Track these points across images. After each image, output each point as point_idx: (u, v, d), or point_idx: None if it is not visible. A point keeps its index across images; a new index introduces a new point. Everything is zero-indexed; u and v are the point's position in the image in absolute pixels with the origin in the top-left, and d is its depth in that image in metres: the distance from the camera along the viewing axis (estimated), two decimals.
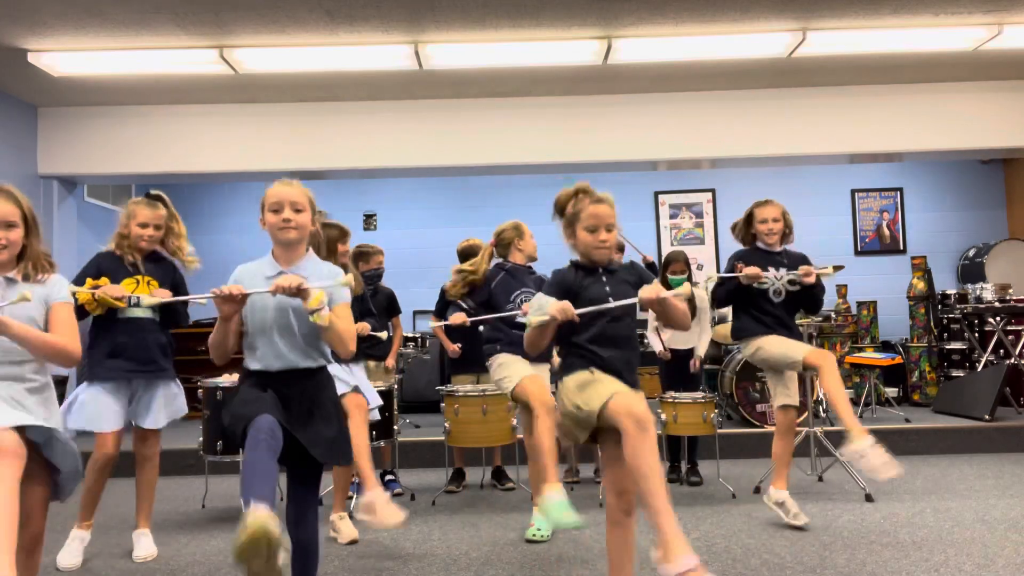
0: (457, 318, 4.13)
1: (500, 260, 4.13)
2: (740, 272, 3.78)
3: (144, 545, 3.52)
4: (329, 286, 2.35)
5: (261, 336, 2.39)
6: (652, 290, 2.41)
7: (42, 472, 2.23)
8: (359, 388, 3.73)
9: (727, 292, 3.90)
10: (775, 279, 3.83)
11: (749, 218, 3.98)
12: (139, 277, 3.49)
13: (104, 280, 3.39)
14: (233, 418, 2.29)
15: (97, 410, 3.38)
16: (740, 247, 4.09)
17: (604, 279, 2.52)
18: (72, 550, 3.42)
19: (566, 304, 2.35)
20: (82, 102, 6.45)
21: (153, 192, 3.66)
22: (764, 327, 3.82)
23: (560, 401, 2.51)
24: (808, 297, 3.85)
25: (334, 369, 3.60)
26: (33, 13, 4.80)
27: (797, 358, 3.69)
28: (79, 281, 3.37)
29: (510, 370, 3.79)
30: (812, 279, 3.75)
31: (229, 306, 2.31)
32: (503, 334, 3.89)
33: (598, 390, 2.35)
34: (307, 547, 2.44)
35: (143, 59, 5.49)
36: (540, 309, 2.39)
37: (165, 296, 3.40)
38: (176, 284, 3.60)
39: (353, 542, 3.68)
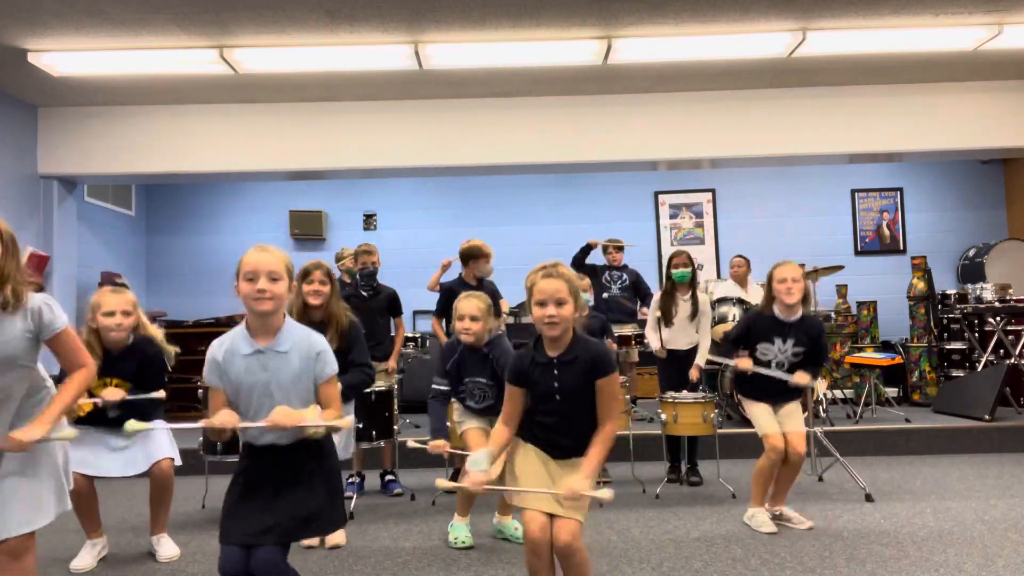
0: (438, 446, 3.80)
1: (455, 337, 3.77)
2: (735, 363, 3.89)
3: (166, 546, 3.53)
4: (326, 425, 2.28)
5: (247, 416, 2.34)
6: (570, 487, 2.31)
7: None
8: None
9: (734, 345, 4.01)
10: (779, 351, 3.84)
11: (770, 279, 3.90)
12: (105, 380, 3.32)
13: (99, 384, 3.29)
14: (224, 533, 2.36)
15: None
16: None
17: (556, 371, 2.46)
18: (84, 554, 3.44)
19: (481, 479, 2.39)
20: (82, 102, 6.45)
21: (118, 280, 3.57)
22: (764, 395, 3.89)
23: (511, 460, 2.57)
24: (810, 362, 3.86)
25: None
26: (33, 13, 4.80)
27: (763, 437, 3.80)
28: None
29: (464, 422, 3.76)
30: (804, 384, 3.78)
31: (223, 433, 2.27)
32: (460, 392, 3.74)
33: (521, 484, 2.44)
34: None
35: (143, 59, 5.49)
36: (475, 464, 2.43)
37: (115, 395, 3.26)
38: (143, 365, 3.40)
39: (335, 547, 3.65)
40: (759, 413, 3.88)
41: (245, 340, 2.36)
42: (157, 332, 3.52)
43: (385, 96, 6.51)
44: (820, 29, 5.38)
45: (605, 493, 2.30)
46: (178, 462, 3.54)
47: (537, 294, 2.42)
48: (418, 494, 4.71)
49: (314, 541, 3.65)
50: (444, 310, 5.10)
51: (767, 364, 3.85)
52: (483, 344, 3.60)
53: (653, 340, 5.05)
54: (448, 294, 5.09)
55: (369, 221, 8.99)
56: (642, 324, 6.07)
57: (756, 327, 3.92)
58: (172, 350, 3.53)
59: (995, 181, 8.91)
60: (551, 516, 2.40)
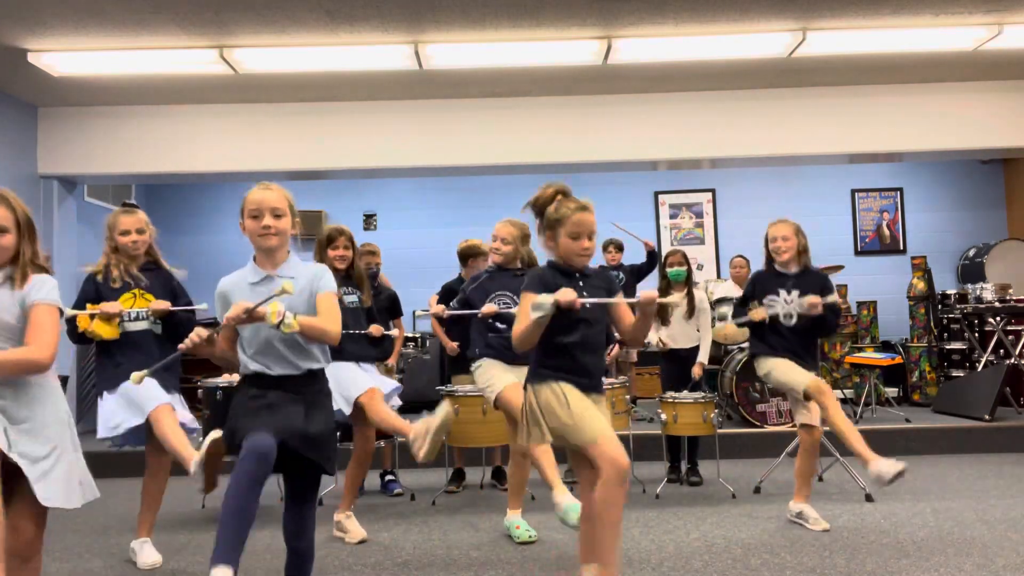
0: (436, 308, 4.00)
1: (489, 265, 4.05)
2: (749, 316, 3.87)
3: (147, 552, 3.43)
4: (268, 300, 2.31)
5: (254, 343, 2.43)
6: (652, 293, 2.48)
7: (24, 479, 2.13)
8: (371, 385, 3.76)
9: (743, 325, 4.02)
10: (784, 303, 3.83)
11: (766, 238, 3.98)
12: (135, 291, 3.43)
13: (138, 295, 3.39)
14: (230, 432, 2.36)
15: (128, 406, 3.32)
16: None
17: (580, 283, 2.58)
18: (146, 552, 3.42)
19: (570, 291, 2.40)
20: (82, 102, 6.45)
21: (128, 202, 3.65)
22: (773, 351, 3.85)
23: (533, 406, 2.56)
24: (818, 323, 3.80)
25: (344, 372, 3.59)
26: (33, 13, 4.80)
27: (796, 387, 3.72)
28: (79, 307, 3.35)
29: (492, 378, 3.73)
30: (818, 310, 3.70)
31: (230, 329, 2.38)
32: (482, 336, 3.82)
33: (587, 419, 2.48)
34: (303, 555, 2.51)
35: (143, 59, 5.49)
36: (540, 305, 2.39)
37: (162, 306, 3.37)
38: (174, 292, 3.54)
39: (362, 542, 3.67)
40: (787, 368, 3.76)
41: (252, 270, 2.48)
42: (176, 269, 3.68)
43: (385, 96, 6.51)
44: (820, 29, 5.38)
45: (674, 297, 2.51)
46: (184, 418, 3.45)
47: (573, 227, 2.54)
48: (418, 494, 4.71)
49: (356, 535, 3.69)
50: (444, 301, 5.10)
51: (775, 317, 3.82)
52: (516, 267, 3.83)
53: (652, 336, 5.04)
54: (448, 294, 5.09)
55: (369, 221, 8.98)
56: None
57: (759, 282, 3.96)
58: (180, 273, 3.68)
59: (995, 181, 8.91)
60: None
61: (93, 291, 3.42)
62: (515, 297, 3.74)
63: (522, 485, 3.78)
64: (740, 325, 4.08)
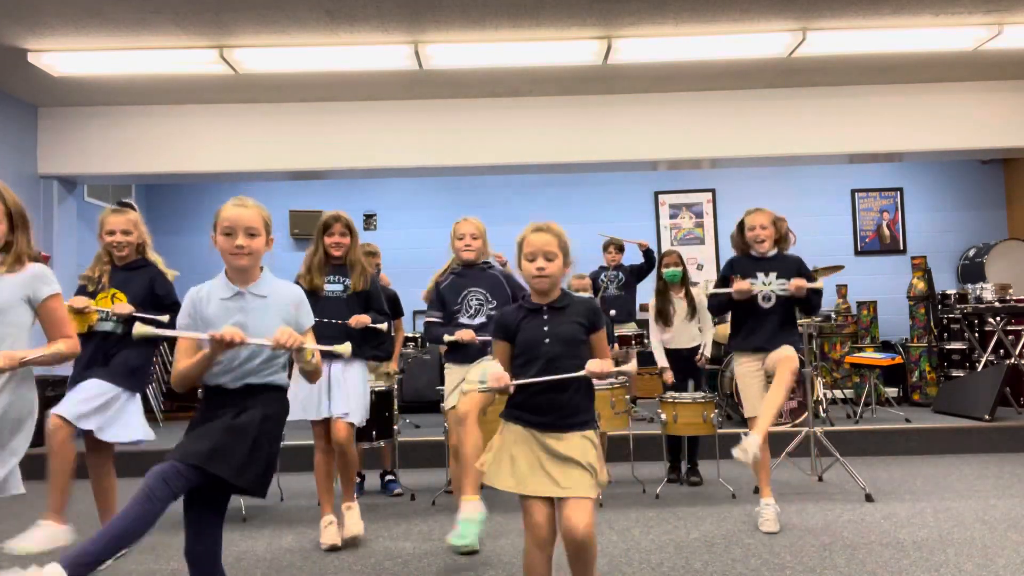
0: (465, 335, 3.78)
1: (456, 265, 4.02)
2: (732, 287, 3.84)
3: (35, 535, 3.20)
4: (326, 350, 2.34)
5: (219, 362, 2.30)
6: (598, 364, 2.27)
7: None
8: (325, 415, 3.64)
9: (719, 303, 3.99)
10: (762, 284, 3.84)
11: (741, 226, 4.00)
12: (110, 292, 3.45)
13: (107, 296, 3.39)
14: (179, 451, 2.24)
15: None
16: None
17: (546, 317, 2.40)
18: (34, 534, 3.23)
19: (502, 376, 2.30)
20: (82, 102, 6.45)
21: (123, 200, 3.65)
22: (757, 337, 3.84)
23: (496, 441, 2.47)
24: (802, 302, 3.87)
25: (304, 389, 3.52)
26: (33, 13, 4.80)
27: (746, 412, 3.80)
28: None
29: (447, 395, 3.83)
30: (803, 293, 3.75)
31: (222, 350, 2.23)
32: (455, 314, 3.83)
33: (526, 474, 2.31)
34: (200, 558, 2.31)
35: (143, 59, 5.49)
36: (483, 375, 2.37)
37: (125, 309, 3.34)
38: (153, 293, 3.50)
39: (353, 538, 3.66)
40: (750, 388, 3.86)
41: (224, 285, 2.39)
42: (159, 259, 3.67)
43: (385, 96, 6.51)
44: (820, 29, 5.38)
45: (630, 366, 2.33)
46: (144, 436, 3.42)
47: (527, 247, 2.42)
48: (418, 494, 4.71)
49: (336, 539, 3.60)
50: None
51: (754, 297, 3.84)
52: (481, 261, 3.90)
53: (661, 359, 5.02)
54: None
55: (369, 221, 8.98)
56: (641, 324, 6.08)
57: (737, 265, 3.96)
58: (172, 274, 3.67)
59: (995, 181, 8.91)
60: (551, 506, 2.30)
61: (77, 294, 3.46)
62: (486, 294, 3.82)
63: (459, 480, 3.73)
64: (714, 297, 4.00)
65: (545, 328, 2.40)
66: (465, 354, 3.77)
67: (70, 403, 3.23)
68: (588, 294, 5.15)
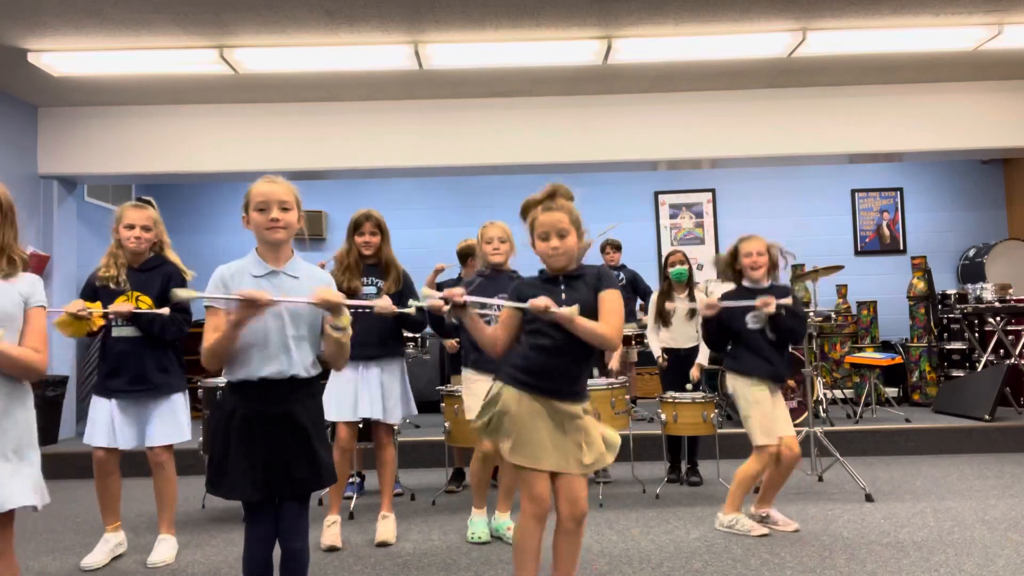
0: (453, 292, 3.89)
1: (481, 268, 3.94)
2: (759, 302, 3.65)
3: (160, 550, 3.48)
4: (363, 305, 2.39)
5: (251, 344, 2.28)
6: (542, 300, 2.29)
7: None
8: (353, 418, 3.66)
9: (711, 333, 3.89)
10: (755, 317, 3.73)
11: (734, 253, 3.88)
12: (128, 292, 3.38)
13: (95, 304, 3.30)
14: (216, 474, 2.27)
15: (92, 425, 3.40)
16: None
17: (562, 287, 2.45)
18: (97, 551, 3.43)
19: (452, 291, 2.37)
20: (82, 102, 6.45)
21: (142, 197, 3.59)
22: (740, 364, 3.77)
23: (487, 396, 2.49)
24: (779, 329, 3.72)
25: (345, 387, 3.57)
26: (33, 13, 4.80)
27: (764, 442, 3.68)
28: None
29: (468, 398, 3.79)
30: (771, 309, 3.61)
31: (249, 312, 2.18)
32: (473, 345, 3.76)
33: (539, 449, 2.35)
34: (298, 555, 2.38)
35: (143, 59, 5.49)
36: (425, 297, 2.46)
37: (123, 308, 3.28)
38: (166, 290, 3.42)
39: (383, 544, 3.64)
40: (762, 418, 3.69)
41: (256, 263, 2.37)
42: (177, 259, 3.58)
43: (385, 96, 6.51)
44: (820, 29, 5.38)
45: (572, 309, 2.30)
46: (187, 435, 3.49)
47: (539, 228, 2.44)
48: (418, 494, 4.71)
49: (336, 541, 3.62)
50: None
51: (745, 323, 3.77)
52: (509, 269, 3.79)
53: (655, 348, 5.03)
54: None
55: None
56: (641, 325, 6.08)
57: (733, 299, 3.84)
58: (190, 274, 3.58)
59: (995, 181, 8.91)
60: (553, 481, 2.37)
61: (91, 293, 3.39)
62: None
63: (512, 487, 3.77)
64: (709, 336, 3.93)
65: (563, 296, 2.44)
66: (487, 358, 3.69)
67: (163, 433, 3.41)
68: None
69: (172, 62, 5.56)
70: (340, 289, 3.45)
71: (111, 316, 3.33)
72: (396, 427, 3.90)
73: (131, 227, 3.42)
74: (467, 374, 3.80)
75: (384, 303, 2.39)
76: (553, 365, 2.39)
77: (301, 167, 6.64)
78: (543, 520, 2.38)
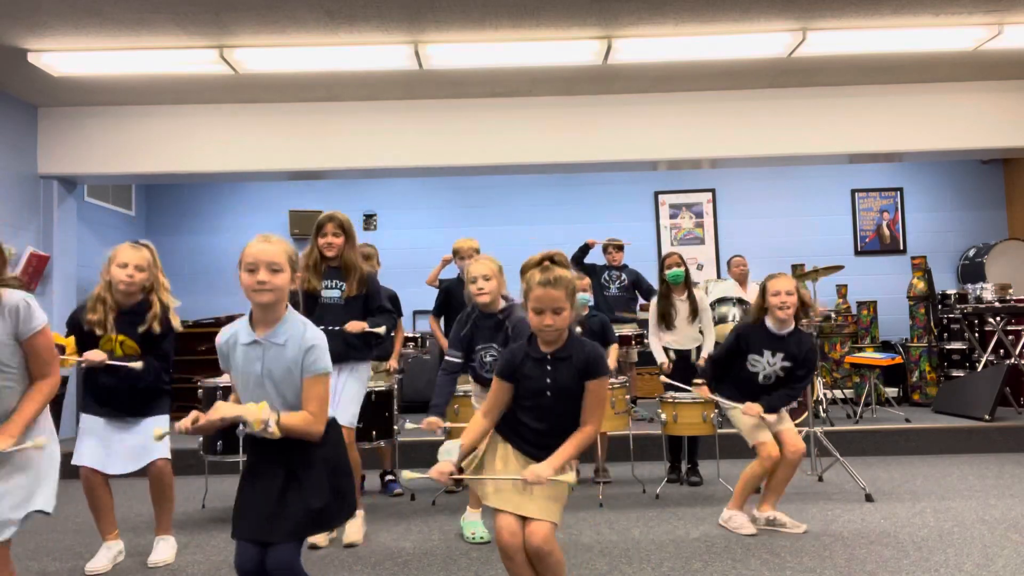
0: (432, 424, 3.66)
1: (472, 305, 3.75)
2: (742, 408, 3.71)
3: (160, 550, 3.48)
4: (250, 424, 2.19)
5: (247, 400, 2.31)
6: (532, 475, 2.30)
7: None
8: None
9: (714, 367, 3.92)
10: (767, 364, 3.77)
11: (763, 291, 3.81)
12: (112, 336, 3.32)
13: (68, 341, 3.27)
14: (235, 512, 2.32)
15: (81, 442, 3.38)
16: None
17: (549, 368, 2.43)
18: (100, 556, 3.42)
19: (447, 469, 2.38)
20: (82, 102, 6.45)
21: (140, 241, 3.53)
22: (735, 398, 3.82)
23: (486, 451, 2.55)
24: (791, 380, 3.79)
25: None
26: (33, 13, 4.80)
27: (758, 440, 3.74)
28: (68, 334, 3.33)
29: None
30: (753, 419, 3.71)
31: (209, 428, 2.21)
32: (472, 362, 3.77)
33: (494, 491, 2.41)
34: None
35: (143, 59, 5.49)
36: (446, 453, 2.42)
37: (96, 358, 3.22)
38: (151, 336, 3.37)
39: (351, 545, 3.66)
40: (746, 420, 3.75)
41: (246, 330, 2.35)
42: (172, 301, 3.50)
43: (385, 96, 6.50)
44: (820, 29, 5.38)
45: (569, 476, 2.32)
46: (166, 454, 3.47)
47: (534, 301, 2.40)
48: (418, 494, 4.71)
49: (321, 539, 3.64)
50: (442, 310, 5.10)
51: (755, 375, 3.78)
52: (498, 309, 3.61)
53: (659, 354, 5.00)
54: (445, 294, 5.10)
55: (369, 221, 8.98)
56: (642, 324, 6.08)
57: (749, 338, 3.81)
58: (177, 321, 3.51)
59: (995, 181, 8.91)
60: (524, 520, 2.37)
61: (76, 331, 3.34)
62: (500, 349, 3.59)
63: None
64: (712, 368, 4.01)
65: (548, 380, 2.43)
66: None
67: (158, 447, 3.39)
68: (588, 294, 5.15)
69: (172, 62, 5.56)
70: (303, 290, 3.49)
71: (83, 364, 3.24)
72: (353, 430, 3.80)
73: (124, 266, 3.30)
74: (471, 388, 3.87)
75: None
76: (542, 442, 2.44)
77: (301, 167, 6.64)
78: (509, 558, 2.39)
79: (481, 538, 3.66)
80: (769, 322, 3.78)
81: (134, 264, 3.32)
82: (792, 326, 3.78)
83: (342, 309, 3.72)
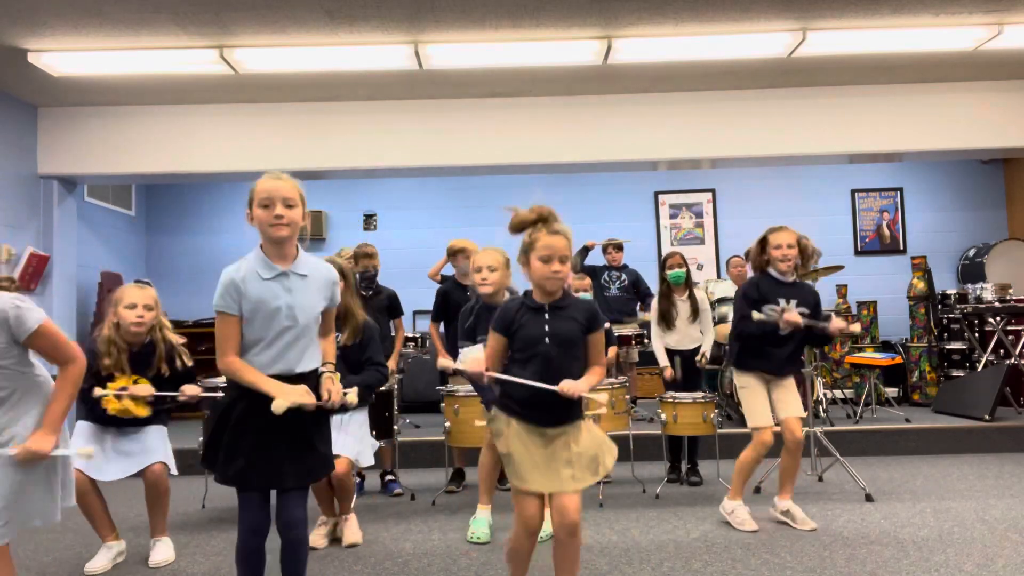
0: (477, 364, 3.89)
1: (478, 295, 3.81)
2: (784, 318, 3.65)
3: (160, 550, 3.48)
4: (346, 394, 2.44)
5: (263, 339, 2.35)
6: (570, 385, 2.35)
7: None
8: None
9: (761, 331, 3.79)
10: (781, 311, 3.75)
11: (763, 243, 3.86)
12: (131, 377, 3.35)
13: (128, 380, 3.30)
14: (223, 466, 2.33)
15: (72, 447, 3.37)
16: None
17: (547, 317, 2.46)
18: (100, 556, 3.41)
19: (480, 362, 2.43)
20: (82, 102, 6.45)
21: (142, 279, 3.55)
22: (766, 362, 3.80)
23: (492, 429, 2.57)
24: (819, 339, 3.82)
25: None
26: (33, 13, 4.80)
27: (751, 424, 3.77)
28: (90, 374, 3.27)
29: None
30: (835, 331, 3.69)
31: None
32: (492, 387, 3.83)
33: (527, 470, 2.40)
34: (297, 545, 2.43)
35: (143, 59, 5.48)
36: (464, 357, 2.44)
37: (143, 392, 3.27)
38: (171, 368, 3.42)
39: (353, 545, 3.66)
40: (753, 401, 3.78)
41: (264, 264, 2.36)
42: (176, 338, 3.50)
43: (385, 96, 6.50)
44: (820, 29, 5.38)
45: (601, 397, 2.41)
46: (173, 470, 3.48)
47: (542, 250, 2.44)
48: (418, 494, 4.71)
49: (320, 540, 3.64)
50: (440, 314, 5.09)
51: (776, 324, 3.75)
52: (502, 302, 3.60)
53: (662, 358, 4.97)
54: (443, 297, 5.09)
55: (369, 221, 8.99)
56: (643, 325, 6.07)
57: (762, 287, 3.83)
58: (188, 360, 3.51)
59: (995, 181, 8.91)
60: (546, 500, 2.42)
61: (95, 379, 3.32)
62: None
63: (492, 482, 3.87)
64: (760, 325, 3.80)
65: (546, 327, 2.45)
66: None
67: (159, 451, 3.45)
68: (589, 295, 5.15)
69: (172, 62, 5.56)
70: None
71: (131, 395, 3.27)
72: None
73: (133, 307, 3.32)
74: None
75: (351, 398, 2.44)
76: (539, 398, 2.41)
77: (301, 167, 6.63)
78: (533, 535, 2.48)
79: (478, 539, 3.65)
80: (773, 272, 3.84)
81: (143, 304, 3.35)
82: (794, 276, 3.84)
83: (339, 360, 3.69)
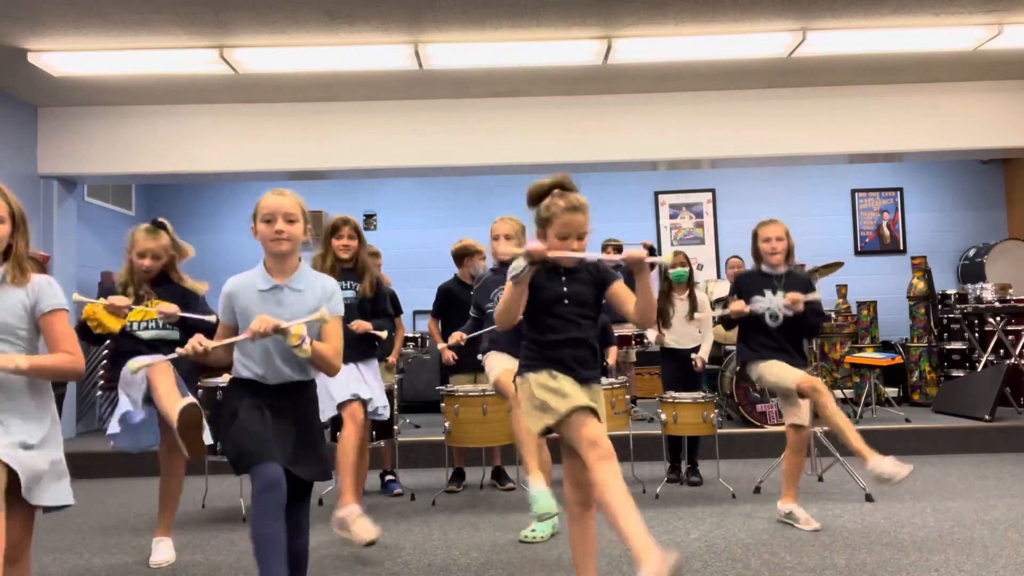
0: (453, 336, 4.12)
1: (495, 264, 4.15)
2: (728, 309, 3.87)
3: (160, 550, 3.48)
4: (306, 321, 2.36)
5: (253, 353, 2.44)
6: (637, 252, 2.38)
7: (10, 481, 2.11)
8: (359, 396, 3.72)
9: (726, 322, 4.01)
10: (770, 303, 3.81)
11: (755, 238, 3.98)
12: (147, 302, 3.40)
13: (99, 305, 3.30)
14: (234, 448, 2.35)
15: (138, 431, 3.43)
16: (741, 251, 4.10)
17: (563, 279, 2.53)
18: (160, 550, 3.46)
19: (537, 244, 2.36)
20: (82, 102, 6.45)
21: (158, 219, 3.62)
22: (760, 354, 3.84)
23: (523, 393, 2.56)
24: (801, 323, 3.82)
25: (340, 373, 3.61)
26: (33, 13, 4.80)
27: (790, 385, 3.73)
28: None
29: (492, 365, 3.94)
30: (800, 307, 3.72)
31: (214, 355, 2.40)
32: (498, 337, 3.94)
33: (562, 395, 2.41)
34: (299, 555, 2.49)
35: (143, 59, 5.49)
36: (515, 268, 2.37)
37: (169, 308, 3.28)
38: (185, 302, 3.43)
39: (372, 543, 3.61)
40: (777, 368, 3.75)
41: (262, 277, 2.47)
42: (185, 278, 3.57)
43: (385, 96, 6.51)
44: (820, 29, 5.38)
45: (666, 258, 2.80)
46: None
47: (561, 227, 2.45)
48: (418, 494, 4.71)
49: (371, 530, 3.59)
50: (441, 310, 5.10)
51: (760, 315, 3.81)
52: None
53: (651, 332, 5.04)
54: (444, 296, 5.10)
55: (369, 221, 8.99)
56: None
57: (745, 283, 3.94)
58: (198, 285, 3.57)
59: (995, 181, 8.91)
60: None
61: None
62: None
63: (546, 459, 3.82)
64: (721, 319, 4.08)
65: (564, 289, 2.51)
66: (507, 343, 3.79)
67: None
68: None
69: (172, 62, 5.56)
70: None
71: (161, 315, 3.29)
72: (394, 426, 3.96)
73: (143, 255, 3.46)
74: (492, 356, 3.97)
75: (321, 315, 2.45)
76: (573, 353, 2.49)
77: (301, 167, 6.64)
78: (612, 457, 2.35)
79: (548, 510, 3.14)
80: (762, 266, 3.94)
81: (151, 253, 3.48)
82: (785, 268, 3.91)
83: (356, 309, 3.84)
